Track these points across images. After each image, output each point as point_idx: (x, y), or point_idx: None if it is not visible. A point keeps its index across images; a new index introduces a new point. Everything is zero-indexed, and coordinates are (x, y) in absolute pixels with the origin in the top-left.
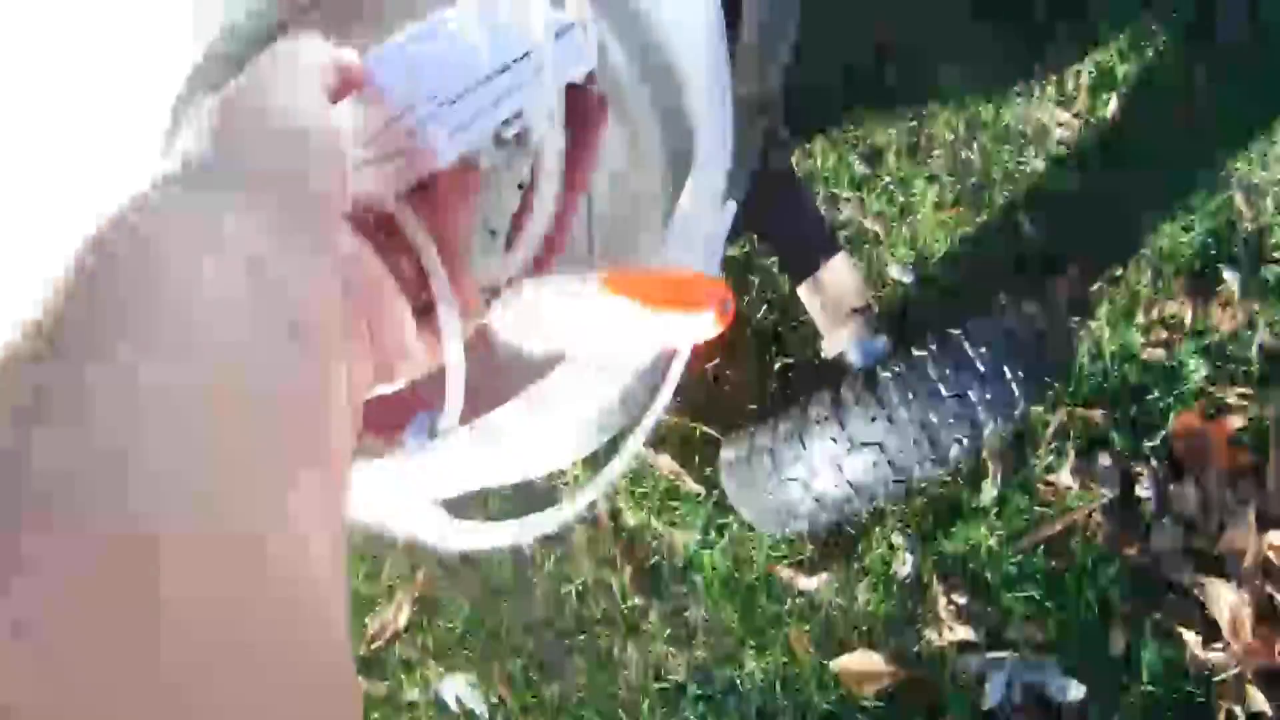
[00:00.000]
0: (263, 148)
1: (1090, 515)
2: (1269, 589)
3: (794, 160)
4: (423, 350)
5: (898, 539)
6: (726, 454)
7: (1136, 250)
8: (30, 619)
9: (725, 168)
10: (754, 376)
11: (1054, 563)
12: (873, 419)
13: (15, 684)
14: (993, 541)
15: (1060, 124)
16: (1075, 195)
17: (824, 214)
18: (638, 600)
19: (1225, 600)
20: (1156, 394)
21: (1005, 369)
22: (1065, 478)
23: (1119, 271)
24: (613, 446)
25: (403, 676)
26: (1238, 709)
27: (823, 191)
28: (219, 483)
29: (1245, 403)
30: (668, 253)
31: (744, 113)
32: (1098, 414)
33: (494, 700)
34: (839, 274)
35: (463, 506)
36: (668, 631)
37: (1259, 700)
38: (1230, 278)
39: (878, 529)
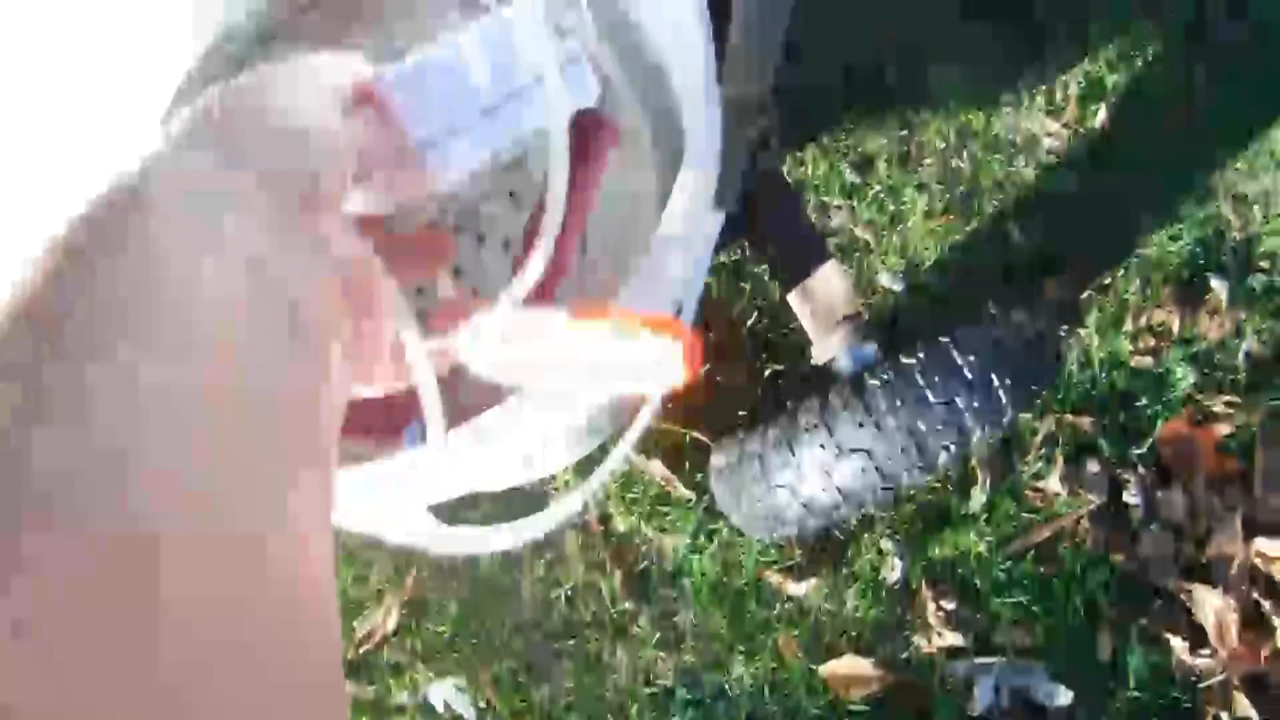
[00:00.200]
0: (264, 144)
1: (1078, 521)
2: (1255, 595)
3: (784, 168)
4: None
5: (887, 544)
6: (716, 460)
7: (1125, 258)
8: (30, 618)
9: (715, 169)
10: (744, 382)
11: (1042, 568)
12: (860, 426)
13: (15, 683)
14: (981, 547)
15: (1050, 133)
16: (1064, 204)
17: (814, 222)
18: (627, 605)
19: (1212, 606)
20: (1144, 401)
21: (993, 377)
22: (1054, 484)
23: (1108, 280)
24: (604, 450)
25: (391, 680)
26: (1224, 715)
27: (813, 199)
28: (219, 483)
29: (1232, 410)
30: (654, 251)
31: (734, 115)
32: (1086, 421)
33: (482, 704)
34: (829, 281)
35: (452, 510)
36: (657, 636)
37: (1245, 706)
38: (1218, 286)
39: (867, 535)
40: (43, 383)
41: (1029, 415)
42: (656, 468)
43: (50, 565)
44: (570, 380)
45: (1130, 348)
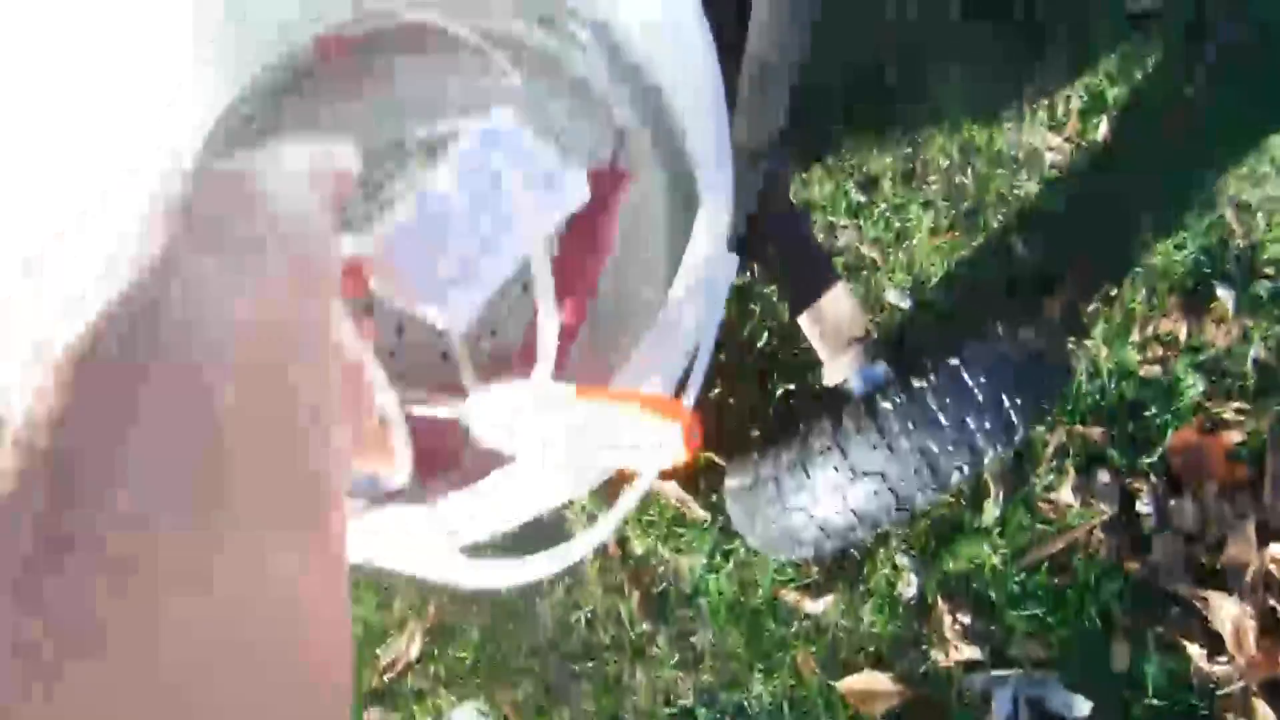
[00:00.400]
0: (261, 247)
1: (1091, 532)
2: (1271, 601)
3: (791, 190)
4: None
5: (901, 560)
6: (731, 482)
7: (1131, 269)
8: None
9: (729, 217)
10: (756, 403)
11: (1057, 579)
12: (874, 448)
13: (13, 688)
14: (996, 560)
15: (1052, 147)
16: (1069, 217)
17: (822, 242)
18: (645, 626)
19: (1228, 613)
20: (1154, 410)
21: (1004, 397)
22: (1066, 495)
23: (1114, 290)
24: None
25: (415, 707)
26: None
27: (820, 219)
28: (221, 548)
29: (1242, 417)
30: (671, 304)
31: (742, 162)
32: (1096, 431)
33: None
34: (839, 303)
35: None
36: (676, 656)
37: (1264, 713)
38: (1224, 294)
39: (881, 551)
40: (55, 533)
41: (1040, 428)
42: (672, 489)
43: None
44: (572, 454)
45: (1138, 357)
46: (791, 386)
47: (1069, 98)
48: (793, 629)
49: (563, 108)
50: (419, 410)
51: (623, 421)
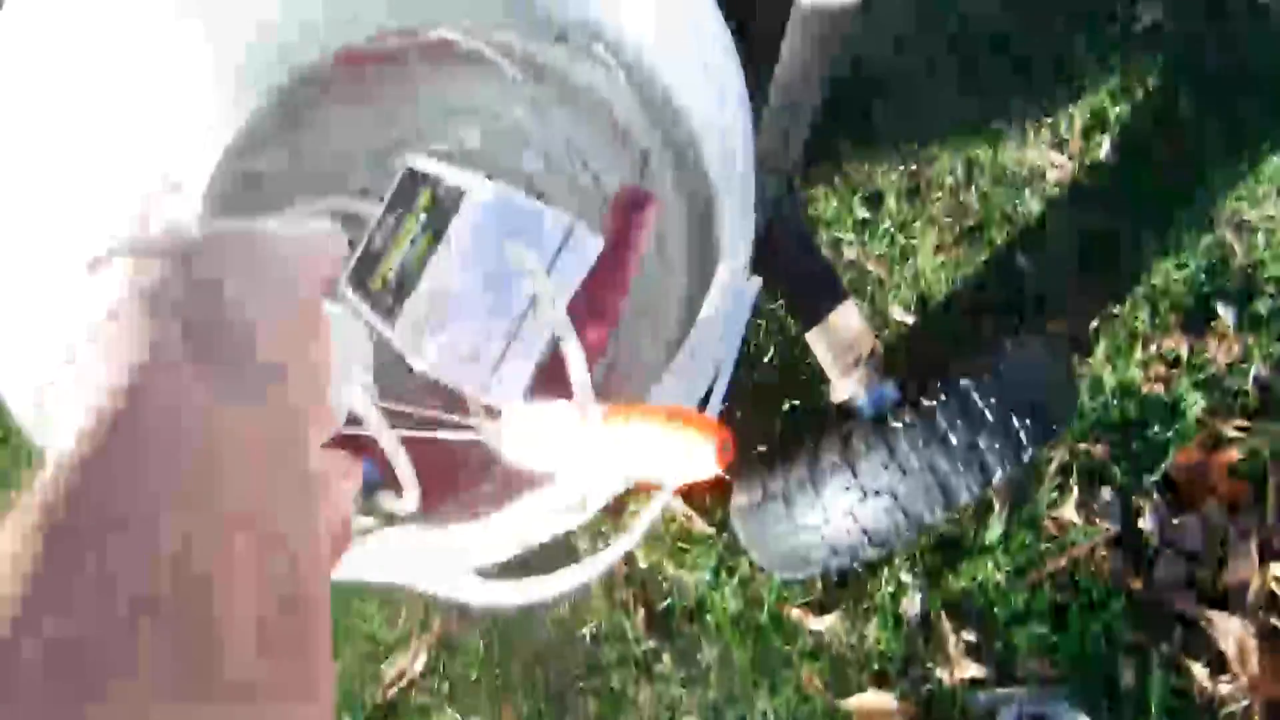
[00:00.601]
0: (253, 360)
1: (1095, 549)
2: (1274, 620)
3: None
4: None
5: (905, 577)
6: (739, 499)
7: (1133, 287)
8: None
9: (750, 251)
10: (762, 420)
11: (1060, 597)
12: (885, 467)
13: None
14: (999, 578)
15: (1055, 166)
16: (1071, 235)
17: (828, 258)
18: (650, 642)
19: (1231, 632)
20: (1156, 428)
21: (1013, 417)
22: (1069, 513)
23: (1116, 309)
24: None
25: None
26: None
27: (825, 235)
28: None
29: (1243, 435)
30: (699, 331)
31: (763, 177)
32: (1099, 449)
33: None
34: (848, 321)
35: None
36: (680, 672)
37: None
38: (1225, 312)
39: (886, 568)
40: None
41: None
42: (677, 505)
43: None
44: (605, 471)
45: (1140, 375)
46: (797, 403)
47: (1072, 117)
48: (797, 646)
49: (588, 133)
50: (444, 434)
51: (656, 438)
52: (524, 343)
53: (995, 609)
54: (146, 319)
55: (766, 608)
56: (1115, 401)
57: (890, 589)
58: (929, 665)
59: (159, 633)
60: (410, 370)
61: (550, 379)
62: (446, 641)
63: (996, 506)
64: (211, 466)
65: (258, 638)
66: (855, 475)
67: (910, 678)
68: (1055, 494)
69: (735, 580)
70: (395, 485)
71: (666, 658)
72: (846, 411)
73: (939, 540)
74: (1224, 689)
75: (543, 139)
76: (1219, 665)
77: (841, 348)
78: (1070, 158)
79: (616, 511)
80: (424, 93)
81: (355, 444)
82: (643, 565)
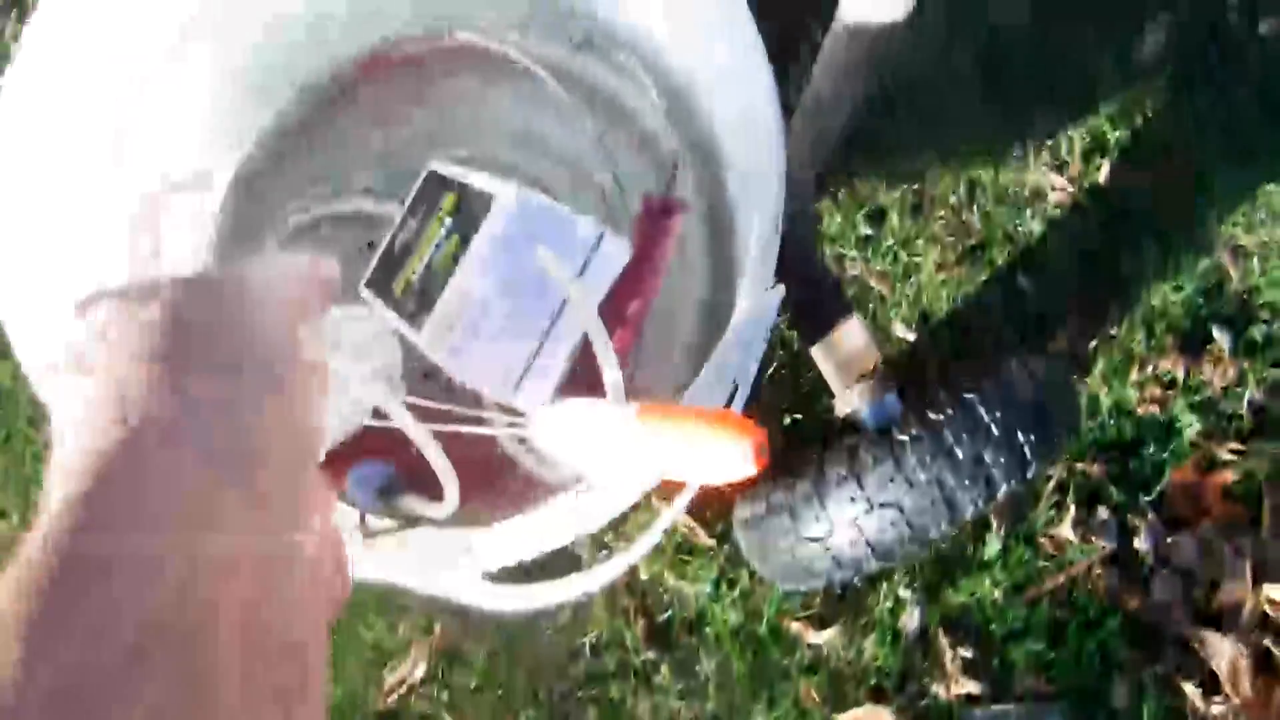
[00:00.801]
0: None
1: (1091, 568)
2: (1266, 642)
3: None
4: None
5: (904, 592)
6: (741, 511)
7: (1130, 309)
8: None
9: (775, 262)
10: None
11: (1057, 615)
12: (891, 480)
13: None
14: (997, 594)
15: (1055, 187)
16: (1070, 256)
17: (836, 275)
18: (650, 653)
19: (1224, 653)
20: (1152, 449)
21: (1019, 432)
22: (1066, 531)
23: (1113, 330)
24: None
25: None
26: None
27: (829, 251)
28: None
29: (1238, 457)
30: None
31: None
32: (1096, 468)
33: None
34: (852, 336)
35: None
36: (679, 684)
37: None
38: (1220, 336)
39: (885, 583)
40: None
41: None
42: (679, 516)
43: None
44: (638, 469)
45: (1137, 396)
46: (800, 416)
47: (1072, 139)
48: (796, 659)
49: (613, 139)
50: (476, 429)
51: (692, 437)
52: (552, 347)
53: (992, 626)
54: (133, 369)
55: (766, 620)
56: (1112, 421)
57: (889, 604)
58: (926, 681)
59: (151, 682)
60: (425, 375)
61: (576, 381)
62: (448, 649)
63: (994, 524)
64: (198, 521)
65: (250, 686)
66: (862, 488)
67: (907, 693)
68: (1052, 512)
69: (736, 592)
70: (418, 488)
71: (665, 669)
72: (850, 425)
73: (937, 556)
74: (1216, 710)
75: (566, 144)
76: (1212, 686)
77: (845, 362)
78: (1070, 180)
79: (619, 519)
80: (443, 96)
81: (375, 447)
82: (644, 576)
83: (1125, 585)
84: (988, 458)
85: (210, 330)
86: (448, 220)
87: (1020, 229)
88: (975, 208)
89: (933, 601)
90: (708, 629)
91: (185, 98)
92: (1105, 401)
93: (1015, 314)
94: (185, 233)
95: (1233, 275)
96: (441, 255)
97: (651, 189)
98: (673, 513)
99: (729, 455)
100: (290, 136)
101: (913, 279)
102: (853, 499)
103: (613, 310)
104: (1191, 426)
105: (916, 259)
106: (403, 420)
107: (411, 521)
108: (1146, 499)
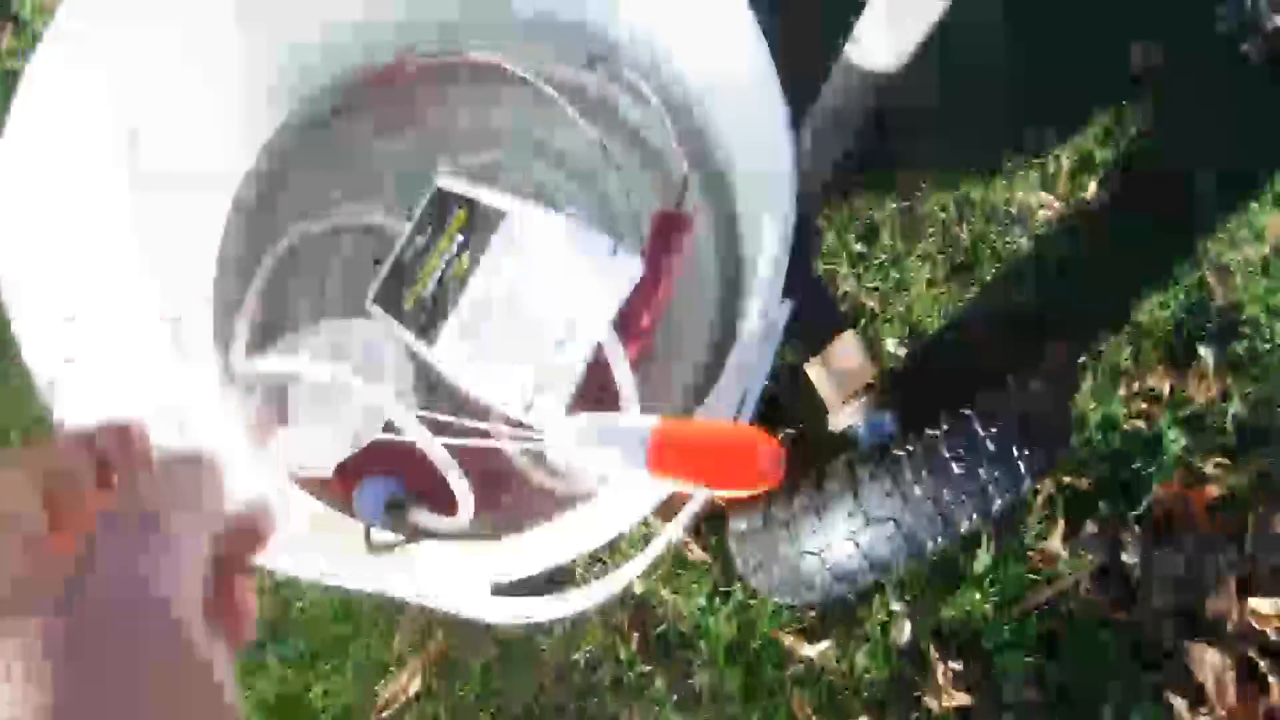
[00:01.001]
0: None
1: (1080, 581)
2: (1252, 654)
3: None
4: None
5: (896, 606)
6: (737, 524)
7: (1117, 326)
8: None
9: (783, 279)
10: None
11: (1047, 628)
12: (888, 495)
13: None
14: (987, 608)
15: (1043, 205)
16: (1059, 273)
17: (831, 292)
18: (645, 666)
19: (1209, 665)
20: (1139, 464)
21: (1013, 448)
22: (1055, 545)
23: (1101, 346)
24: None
25: None
26: None
27: (823, 267)
28: None
29: (1222, 471)
30: (737, 356)
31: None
32: (1084, 482)
33: None
34: (847, 351)
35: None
36: (674, 697)
37: None
38: (1205, 352)
39: (877, 597)
40: None
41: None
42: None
43: None
44: (657, 483)
45: (1124, 412)
46: (793, 431)
47: (1060, 159)
48: (789, 672)
49: (621, 154)
50: (490, 443)
51: (710, 449)
52: (565, 361)
53: (983, 639)
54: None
55: (760, 634)
56: (1100, 436)
57: (881, 617)
58: (918, 694)
59: None
60: (430, 388)
61: (587, 393)
62: (443, 663)
63: (985, 538)
64: None
65: None
66: (859, 503)
67: (899, 706)
68: (1042, 526)
69: (729, 606)
70: (423, 501)
71: (660, 682)
72: (845, 440)
73: (929, 570)
74: None
75: (575, 158)
76: (1199, 697)
77: (841, 378)
78: (1058, 198)
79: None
80: (450, 106)
81: (380, 461)
82: (638, 590)
83: (1114, 598)
84: (983, 473)
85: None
86: (458, 236)
87: (1010, 246)
88: (965, 225)
89: (924, 615)
90: (702, 642)
91: (196, 107)
92: (1093, 417)
93: (1005, 330)
94: (192, 242)
95: (1217, 292)
96: (453, 271)
97: (661, 204)
98: (679, 524)
99: (749, 467)
100: (296, 148)
101: (904, 295)
102: (850, 513)
103: (624, 324)
104: (1178, 441)
105: (908, 275)
106: (418, 434)
107: (417, 535)
108: (1134, 513)
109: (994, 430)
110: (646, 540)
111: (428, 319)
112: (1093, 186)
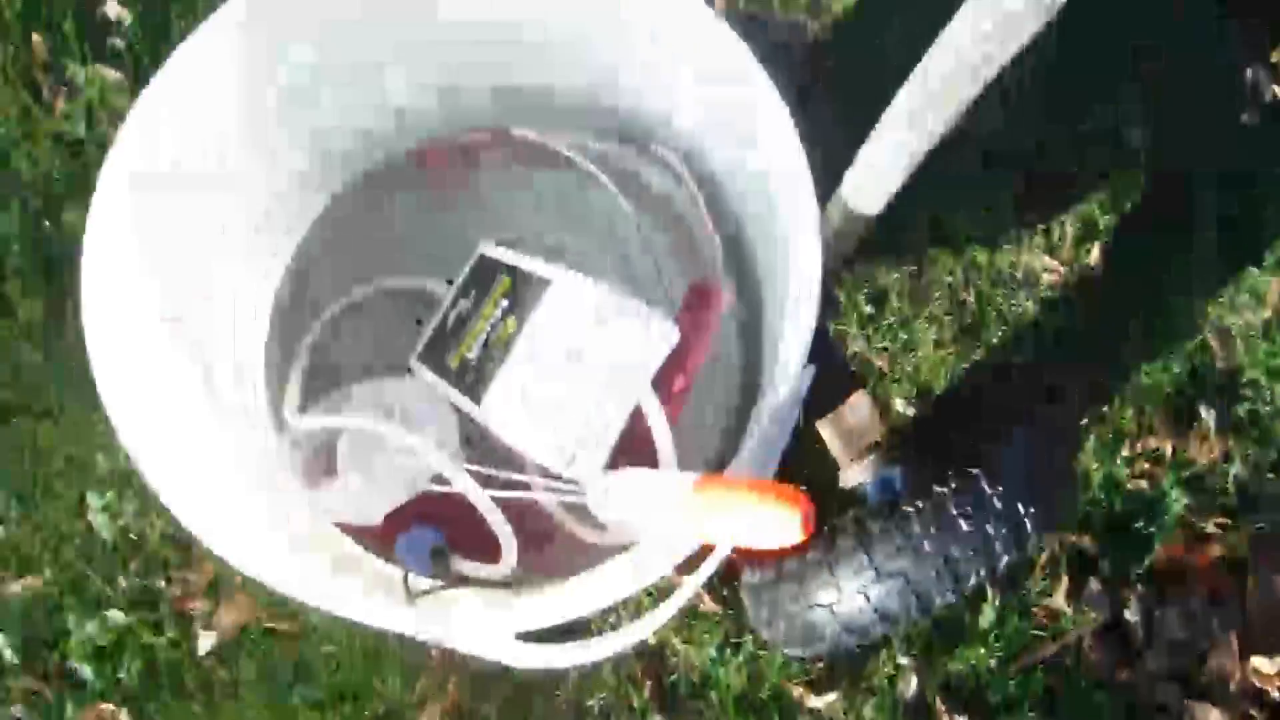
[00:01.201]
0: None
1: (1083, 638)
2: (1253, 713)
3: None
4: None
5: (903, 660)
6: (750, 577)
7: (1120, 387)
8: None
9: (809, 347)
10: None
11: (1050, 683)
12: (898, 550)
13: None
14: (992, 662)
15: (1048, 270)
16: (1063, 336)
17: (843, 353)
18: (657, 716)
19: None
20: (1141, 523)
21: (1019, 505)
22: (1059, 602)
23: (1104, 407)
24: None
25: None
26: None
27: (833, 329)
28: None
29: (1224, 531)
30: (764, 421)
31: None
32: (1088, 541)
33: None
34: (858, 410)
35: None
36: None
37: None
38: (1207, 414)
39: (884, 650)
40: None
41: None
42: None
43: None
44: (692, 535)
45: (1127, 472)
46: (804, 486)
47: (1064, 225)
48: None
49: (652, 224)
50: (532, 495)
51: (744, 506)
52: (604, 420)
53: (988, 693)
54: None
55: (769, 685)
56: (1103, 495)
57: (888, 670)
58: None
59: None
60: (467, 440)
61: (622, 451)
62: (459, 709)
63: (990, 594)
64: None
65: None
66: (870, 558)
67: None
68: (1046, 582)
69: (740, 657)
70: (464, 550)
71: None
72: (854, 497)
73: (935, 625)
74: None
75: (610, 229)
76: None
77: (851, 436)
78: (1063, 263)
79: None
80: (491, 180)
81: (422, 512)
82: (651, 640)
83: (1117, 656)
84: (990, 529)
85: None
86: (503, 301)
87: (1015, 309)
88: (972, 289)
89: (931, 668)
90: (712, 693)
91: (246, 188)
92: (1097, 476)
93: (1011, 391)
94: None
95: (1218, 355)
96: (498, 335)
97: (692, 274)
98: (703, 574)
99: (780, 523)
100: (343, 221)
101: (912, 356)
102: (861, 568)
103: (658, 386)
104: (1180, 501)
105: (915, 336)
106: (466, 486)
107: (459, 582)
108: (1137, 571)
109: (1000, 488)
110: (663, 591)
111: (474, 378)
112: (1096, 252)
